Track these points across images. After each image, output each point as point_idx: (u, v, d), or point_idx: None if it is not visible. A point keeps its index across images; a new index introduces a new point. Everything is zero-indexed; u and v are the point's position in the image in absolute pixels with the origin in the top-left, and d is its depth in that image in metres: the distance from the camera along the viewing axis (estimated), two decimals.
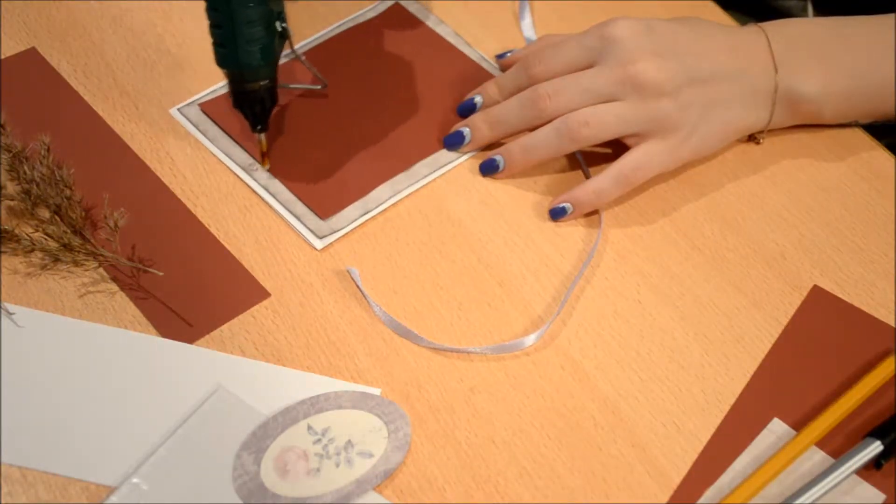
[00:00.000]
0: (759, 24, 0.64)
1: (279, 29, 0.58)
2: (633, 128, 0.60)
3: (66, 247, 0.57)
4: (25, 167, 0.58)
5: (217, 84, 0.67)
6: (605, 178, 0.61)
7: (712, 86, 0.61)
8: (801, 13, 0.78)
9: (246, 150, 0.64)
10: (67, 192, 0.59)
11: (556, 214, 0.62)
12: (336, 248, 0.60)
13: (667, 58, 0.60)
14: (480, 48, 0.71)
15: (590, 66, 0.62)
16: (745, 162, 0.66)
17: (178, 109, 0.66)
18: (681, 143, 0.61)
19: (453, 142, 0.65)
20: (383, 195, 0.62)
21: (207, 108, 0.66)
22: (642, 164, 0.61)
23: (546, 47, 0.64)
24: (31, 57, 0.68)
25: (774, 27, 0.63)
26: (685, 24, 0.63)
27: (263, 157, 0.63)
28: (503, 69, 0.69)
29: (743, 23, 0.69)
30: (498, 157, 0.63)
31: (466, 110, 0.66)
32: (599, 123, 0.60)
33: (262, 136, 0.62)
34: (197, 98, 0.66)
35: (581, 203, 0.61)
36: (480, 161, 0.64)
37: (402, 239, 0.61)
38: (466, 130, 0.64)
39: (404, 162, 0.64)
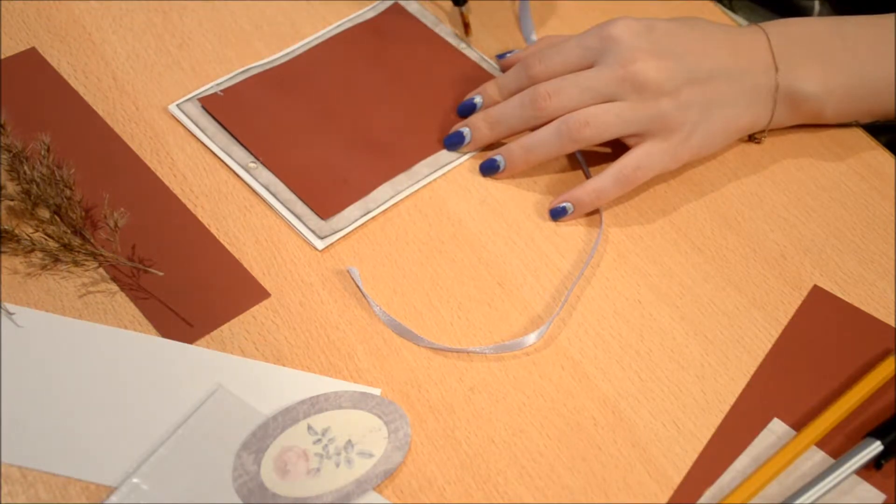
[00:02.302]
0: (760, 23, 0.64)
1: None
2: (634, 128, 0.60)
3: (66, 247, 0.57)
4: (25, 167, 0.58)
5: (216, 80, 0.67)
6: (606, 178, 0.61)
7: (713, 85, 0.61)
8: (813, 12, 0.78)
9: (245, 147, 0.64)
10: (67, 192, 0.59)
11: (557, 214, 0.62)
12: (336, 247, 0.60)
13: (667, 57, 0.60)
14: (480, 48, 0.71)
15: (590, 67, 0.62)
16: (745, 162, 0.66)
17: (177, 105, 0.66)
18: (681, 142, 0.61)
19: (453, 142, 0.65)
20: (384, 195, 0.62)
21: (207, 103, 0.66)
22: (643, 164, 0.61)
23: (546, 47, 0.65)
24: (31, 57, 0.68)
25: (775, 26, 0.63)
26: (685, 24, 0.63)
27: (467, 27, 0.71)
28: (503, 69, 0.69)
29: (760, 19, 0.68)
30: (498, 157, 0.63)
31: (466, 110, 0.66)
32: (600, 123, 0.60)
33: (463, 7, 0.70)
34: (196, 94, 0.66)
35: (581, 203, 0.61)
36: (481, 161, 0.64)
37: (403, 239, 0.61)
38: (466, 130, 0.64)
39: (405, 162, 0.64)
